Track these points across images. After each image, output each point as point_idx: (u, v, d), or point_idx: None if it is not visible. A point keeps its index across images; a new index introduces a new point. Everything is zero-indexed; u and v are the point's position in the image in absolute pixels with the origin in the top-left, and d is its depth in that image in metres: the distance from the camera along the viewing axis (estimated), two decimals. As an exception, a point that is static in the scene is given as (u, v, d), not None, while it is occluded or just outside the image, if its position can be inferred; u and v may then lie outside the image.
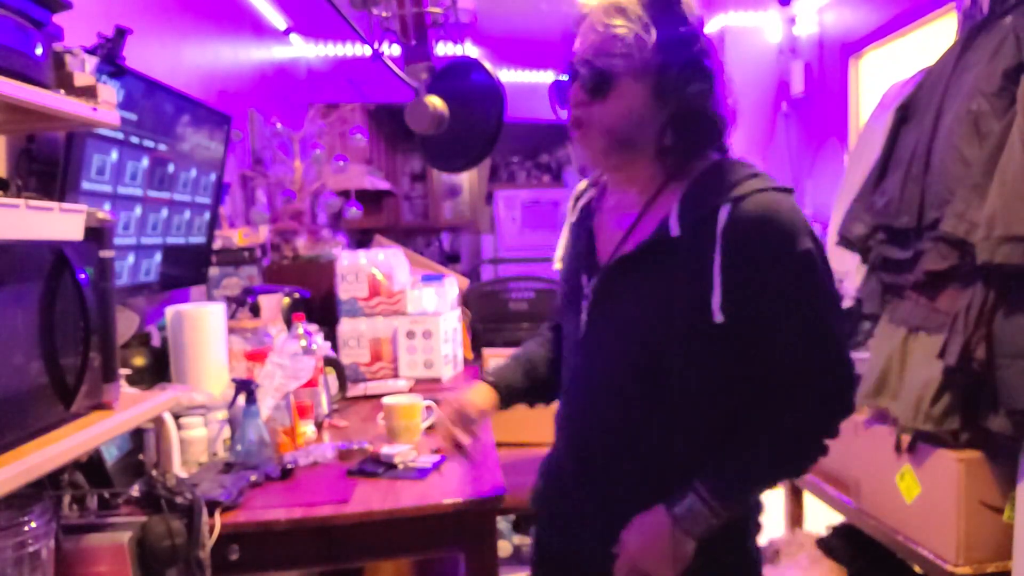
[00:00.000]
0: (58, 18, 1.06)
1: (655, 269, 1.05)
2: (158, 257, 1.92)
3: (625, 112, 1.05)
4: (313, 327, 2.12)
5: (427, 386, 2.32)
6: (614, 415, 1.10)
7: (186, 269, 2.14)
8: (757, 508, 1.14)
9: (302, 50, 4.49)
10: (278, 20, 3.92)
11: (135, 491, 1.15)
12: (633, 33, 1.03)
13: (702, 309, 1.00)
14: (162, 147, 1.84)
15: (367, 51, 4.41)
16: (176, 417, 1.53)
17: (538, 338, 1.38)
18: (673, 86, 1.04)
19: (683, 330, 1.03)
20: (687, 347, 1.03)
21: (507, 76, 4.65)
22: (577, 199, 1.27)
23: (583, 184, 1.28)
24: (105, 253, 1.08)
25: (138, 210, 1.78)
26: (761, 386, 1.05)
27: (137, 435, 1.47)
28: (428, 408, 1.80)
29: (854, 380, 1.06)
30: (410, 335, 2.42)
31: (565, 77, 1.11)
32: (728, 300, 0.99)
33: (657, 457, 1.07)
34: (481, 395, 1.29)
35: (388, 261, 2.50)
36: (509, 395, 1.31)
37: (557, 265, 1.28)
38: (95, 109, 1.08)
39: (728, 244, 0.99)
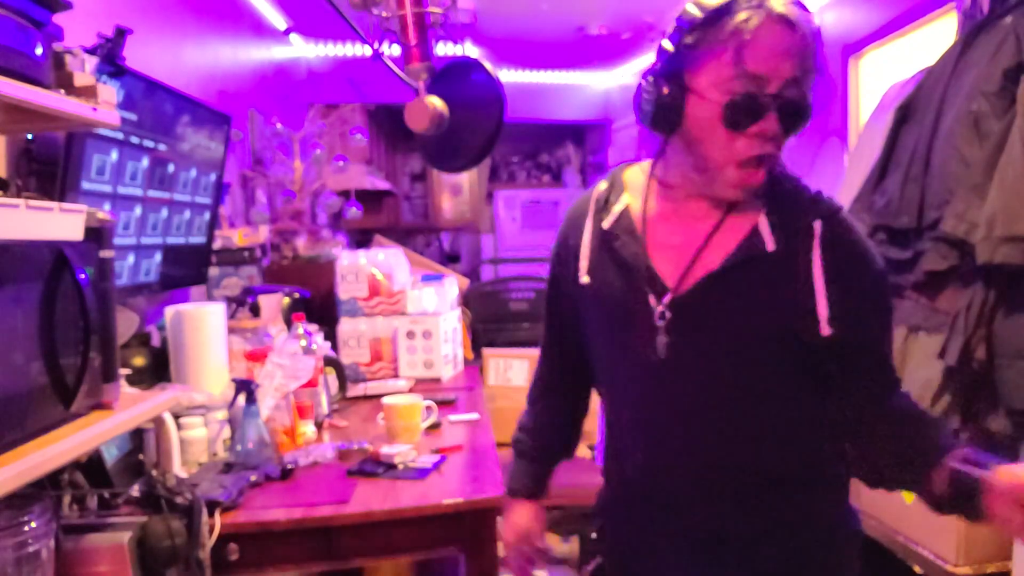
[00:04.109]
0: (58, 18, 1.05)
1: (750, 283, 1.00)
2: (158, 257, 1.92)
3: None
4: (313, 327, 2.12)
5: (427, 386, 2.32)
6: (718, 435, 1.04)
7: (186, 269, 2.14)
8: None
9: (302, 50, 4.49)
10: (278, 20, 3.92)
11: (135, 491, 1.15)
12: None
13: (808, 321, 0.99)
14: (162, 147, 1.84)
15: (367, 51, 4.41)
16: (176, 417, 1.53)
17: (535, 413, 1.29)
18: None
19: (788, 343, 1.00)
20: (791, 359, 1.01)
21: (507, 76, 4.65)
22: (606, 202, 1.12)
23: (604, 184, 1.14)
24: (105, 253, 1.08)
25: (138, 210, 1.78)
26: (858, 396, 1.04)
27: (137, 435, 1.47)
28: (428, 408, 1.80)
29: None
30: (410, 335, 2.42)
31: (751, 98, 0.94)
32: (833, 312, 0.98)
33: (763, 472, 1.04)
34: (527, 515, 1.25)
35: (388, 261, 2.50)
36: (540, 490, 1.26)
37: (585, 278, 1.11)
38: (95, 109, 1.08)
39: (828, 258, 0.99)
